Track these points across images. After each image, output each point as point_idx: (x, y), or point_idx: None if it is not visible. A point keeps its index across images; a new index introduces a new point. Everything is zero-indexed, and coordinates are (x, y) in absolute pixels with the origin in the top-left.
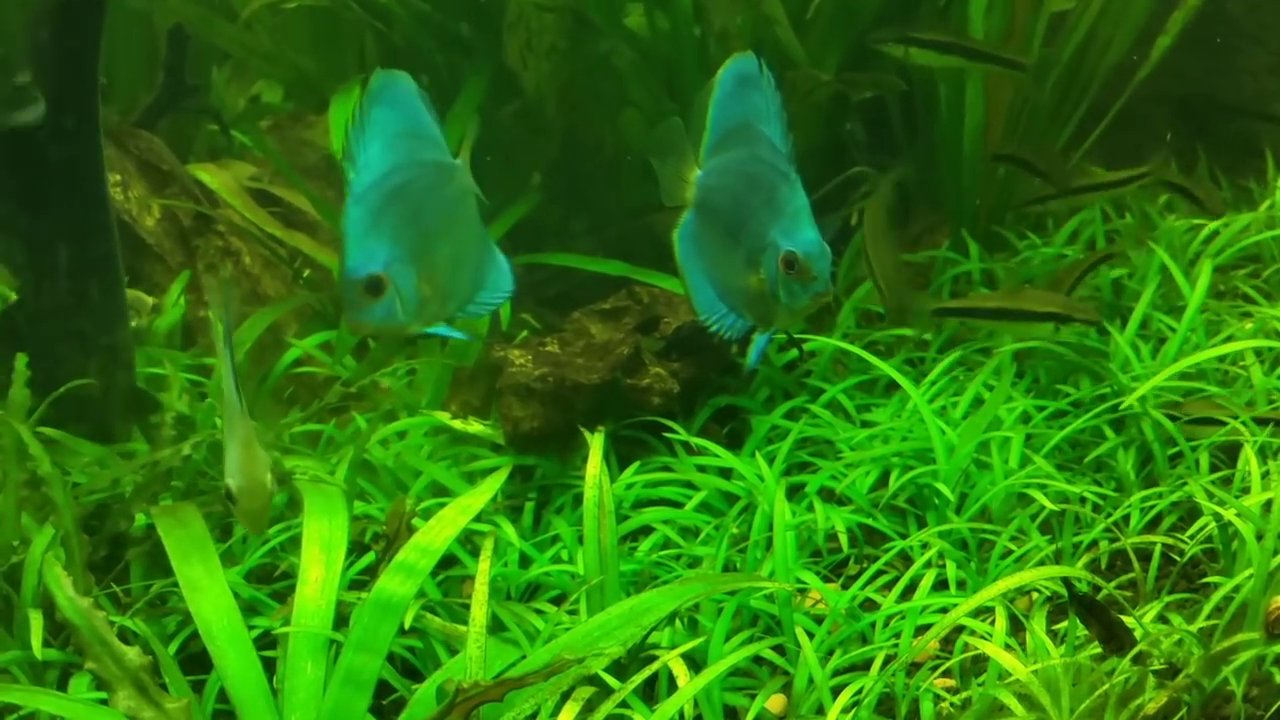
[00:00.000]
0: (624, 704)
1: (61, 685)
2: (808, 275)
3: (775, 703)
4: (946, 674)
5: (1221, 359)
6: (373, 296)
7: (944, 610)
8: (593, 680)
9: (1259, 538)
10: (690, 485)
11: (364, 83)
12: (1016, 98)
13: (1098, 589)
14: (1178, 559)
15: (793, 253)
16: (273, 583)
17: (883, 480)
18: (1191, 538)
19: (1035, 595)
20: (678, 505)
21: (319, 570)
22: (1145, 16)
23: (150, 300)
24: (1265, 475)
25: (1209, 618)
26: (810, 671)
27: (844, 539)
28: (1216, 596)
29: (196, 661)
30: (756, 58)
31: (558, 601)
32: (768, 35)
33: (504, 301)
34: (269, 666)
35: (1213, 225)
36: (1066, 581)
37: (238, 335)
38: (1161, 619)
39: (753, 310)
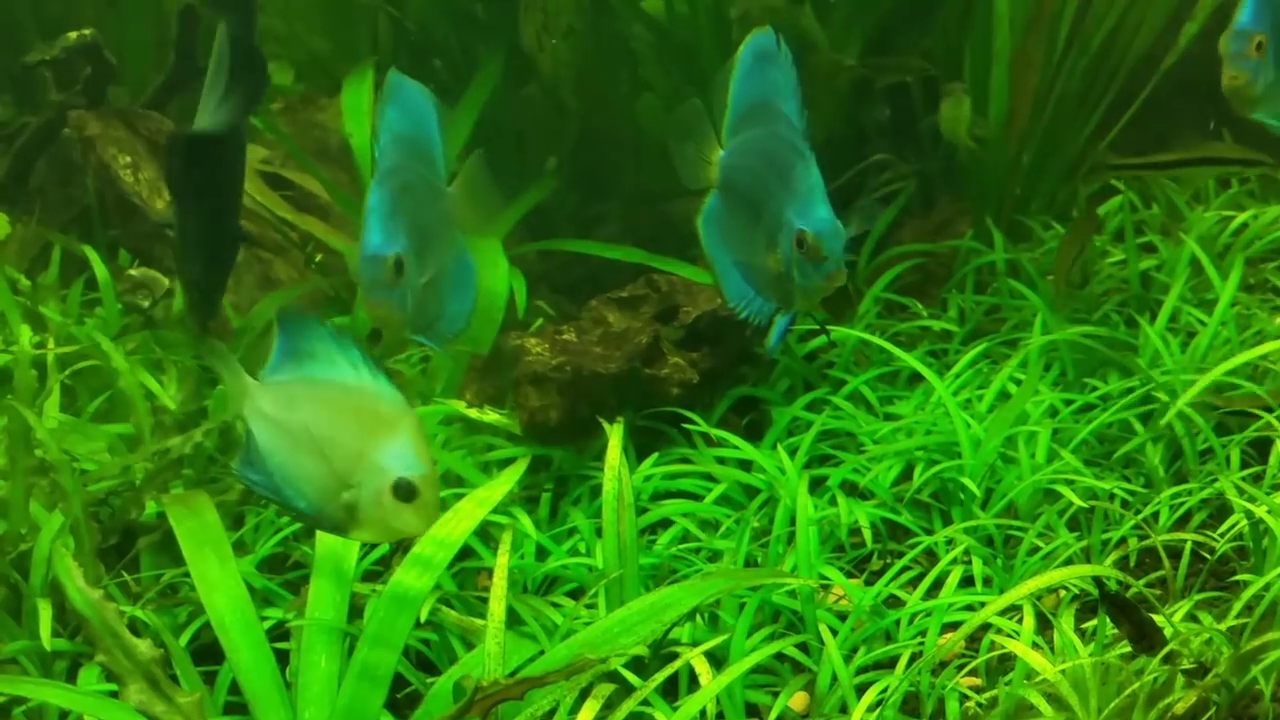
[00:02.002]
0: (645, 702)
1: (70, 676)
2: (818, 255)
3: (798, 701)
4: (972, 673)
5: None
6: (396, 277)
7: (970, 608)
8: (612, 676)
9: None
10: (710, 477)
11: (377, 66)
12: (1042, 84)
13: (1127, 587)
14: (1208, 557)
15: (804, 231)
16: (285, 573)
17: (906, 474)
18: (1222, 535)
19: (1063, 593)
20: (697, 498)
21: (333, 561)
22: (1174, 3)
23: (166, 281)
24: None
25: (1239, 616)
26: (834, 669)
27: (867, 534)
28: (1246, 595)
29: (208, 652)
30: (774, 33)
31: (576, 595)
32: (789, 19)
33: (448, 341)
34: (282, 659)
35: (1242, 217)
36: (1098, 580)
37: (247, 320)
38: (1191, 618)
39: (774, 292)
